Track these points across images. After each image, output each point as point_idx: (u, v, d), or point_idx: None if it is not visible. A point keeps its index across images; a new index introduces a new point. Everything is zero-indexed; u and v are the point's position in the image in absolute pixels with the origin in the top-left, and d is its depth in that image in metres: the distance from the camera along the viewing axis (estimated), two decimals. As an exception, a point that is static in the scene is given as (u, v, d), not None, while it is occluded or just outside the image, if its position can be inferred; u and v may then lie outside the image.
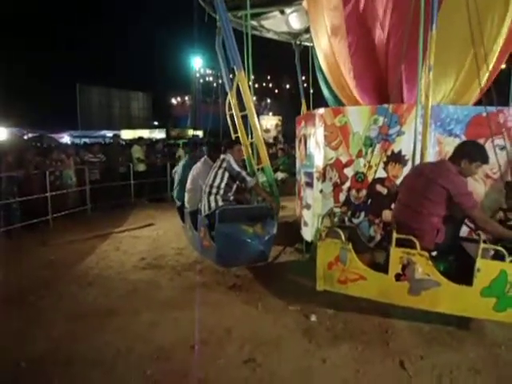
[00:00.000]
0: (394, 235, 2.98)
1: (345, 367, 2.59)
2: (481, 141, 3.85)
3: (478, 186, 4.06)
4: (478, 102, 3.98)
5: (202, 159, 5.14)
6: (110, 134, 24.03)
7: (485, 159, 3.00)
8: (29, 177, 6.62)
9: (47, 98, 35.76)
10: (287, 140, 14.31)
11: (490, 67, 4.14)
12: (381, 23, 4.37)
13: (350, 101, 5.22)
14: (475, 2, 3.39)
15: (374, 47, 4.55)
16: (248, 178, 4.26)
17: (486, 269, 2.74)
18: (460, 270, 2.95)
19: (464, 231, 3.42)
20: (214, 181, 4.28)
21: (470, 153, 2.99)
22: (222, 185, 4.25)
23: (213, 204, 4.21)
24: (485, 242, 2.80)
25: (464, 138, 3.97)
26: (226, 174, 4.28)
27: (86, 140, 23.10)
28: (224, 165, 4.30)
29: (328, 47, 5.03)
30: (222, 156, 4.45)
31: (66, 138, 25.00)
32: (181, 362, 2.68)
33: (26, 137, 18.42)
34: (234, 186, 4.37)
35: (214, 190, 4.25)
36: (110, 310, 3.48)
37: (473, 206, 2.85)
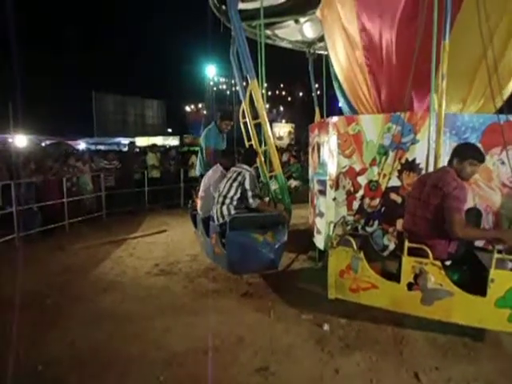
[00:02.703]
0: (406, 244, 2.97)
1: (358, 377, 2.58)
2: (497, 149, 3.81)
3: (493, 194, 4.01)
4: (498, 111, 3.92)
5: (214, 167, 5.18)
6: (124, 140, 24.36)
7: (476, 156, 3.01)
8: (47, 183, 6.78)
9: (64, 106, 36.51)
10: (301, 147, 14.24)
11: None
12: (393, 32, 4.37)
13: (366, 110, 5.20)
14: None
15: (391, 55, 4.54)
16: (250, 200, 4.31)
17: (500, 279, 2.69)
18: (474, 280, 2.91)
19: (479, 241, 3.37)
20: (228, 192, 4.35)
21: (459, 151, 3.06)
22: (235, 197, 4.33)
23: (226, 213, 4.28)
24: (500, 252, 2.76)
25: (480, 146, 3.92)
26: (240, 189, 4.35)
27: (102, 147, 23.42)
28: (239, 178, 4.37)
29: (344, 57, 5.03)
30: (239, 169, 4.50)
31: (82, 145, 25.40)
32: (193, 368, 2.70)
33: (43, 144, 18.77)
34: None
35: (228, 201, 4.33)
36: (124, 315, 3.53)
37: (456, 208, 2.79)
